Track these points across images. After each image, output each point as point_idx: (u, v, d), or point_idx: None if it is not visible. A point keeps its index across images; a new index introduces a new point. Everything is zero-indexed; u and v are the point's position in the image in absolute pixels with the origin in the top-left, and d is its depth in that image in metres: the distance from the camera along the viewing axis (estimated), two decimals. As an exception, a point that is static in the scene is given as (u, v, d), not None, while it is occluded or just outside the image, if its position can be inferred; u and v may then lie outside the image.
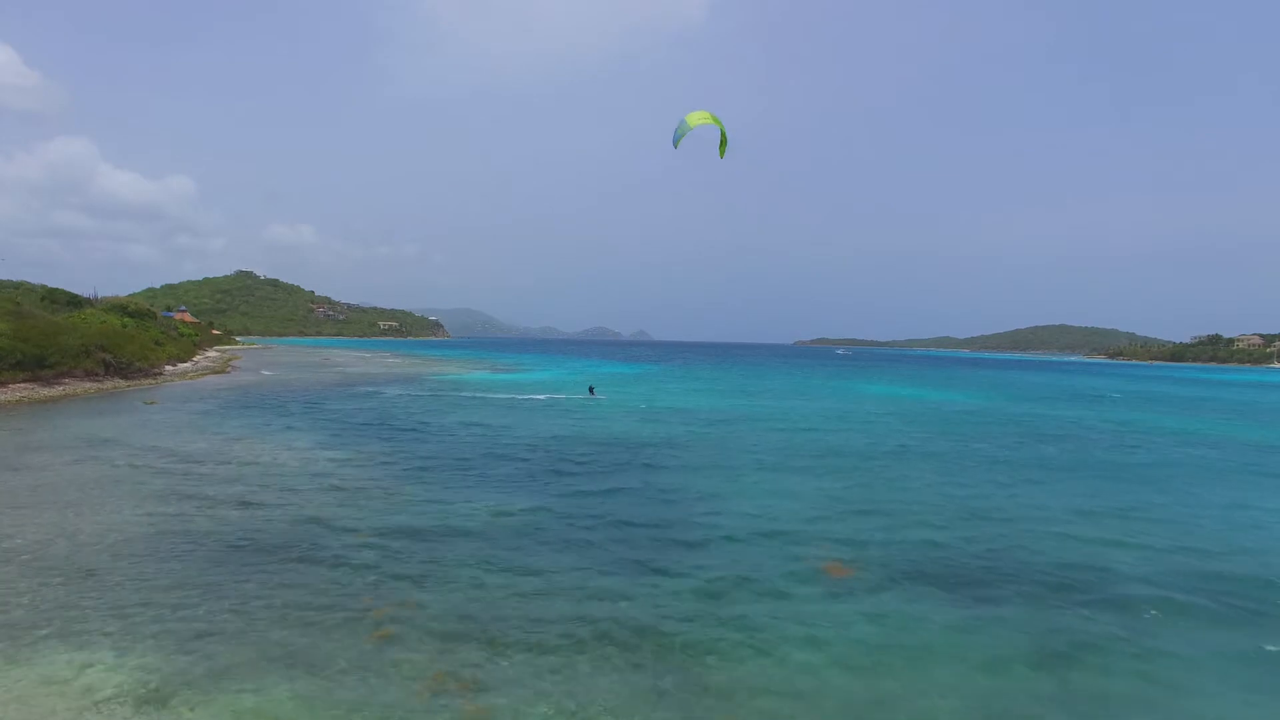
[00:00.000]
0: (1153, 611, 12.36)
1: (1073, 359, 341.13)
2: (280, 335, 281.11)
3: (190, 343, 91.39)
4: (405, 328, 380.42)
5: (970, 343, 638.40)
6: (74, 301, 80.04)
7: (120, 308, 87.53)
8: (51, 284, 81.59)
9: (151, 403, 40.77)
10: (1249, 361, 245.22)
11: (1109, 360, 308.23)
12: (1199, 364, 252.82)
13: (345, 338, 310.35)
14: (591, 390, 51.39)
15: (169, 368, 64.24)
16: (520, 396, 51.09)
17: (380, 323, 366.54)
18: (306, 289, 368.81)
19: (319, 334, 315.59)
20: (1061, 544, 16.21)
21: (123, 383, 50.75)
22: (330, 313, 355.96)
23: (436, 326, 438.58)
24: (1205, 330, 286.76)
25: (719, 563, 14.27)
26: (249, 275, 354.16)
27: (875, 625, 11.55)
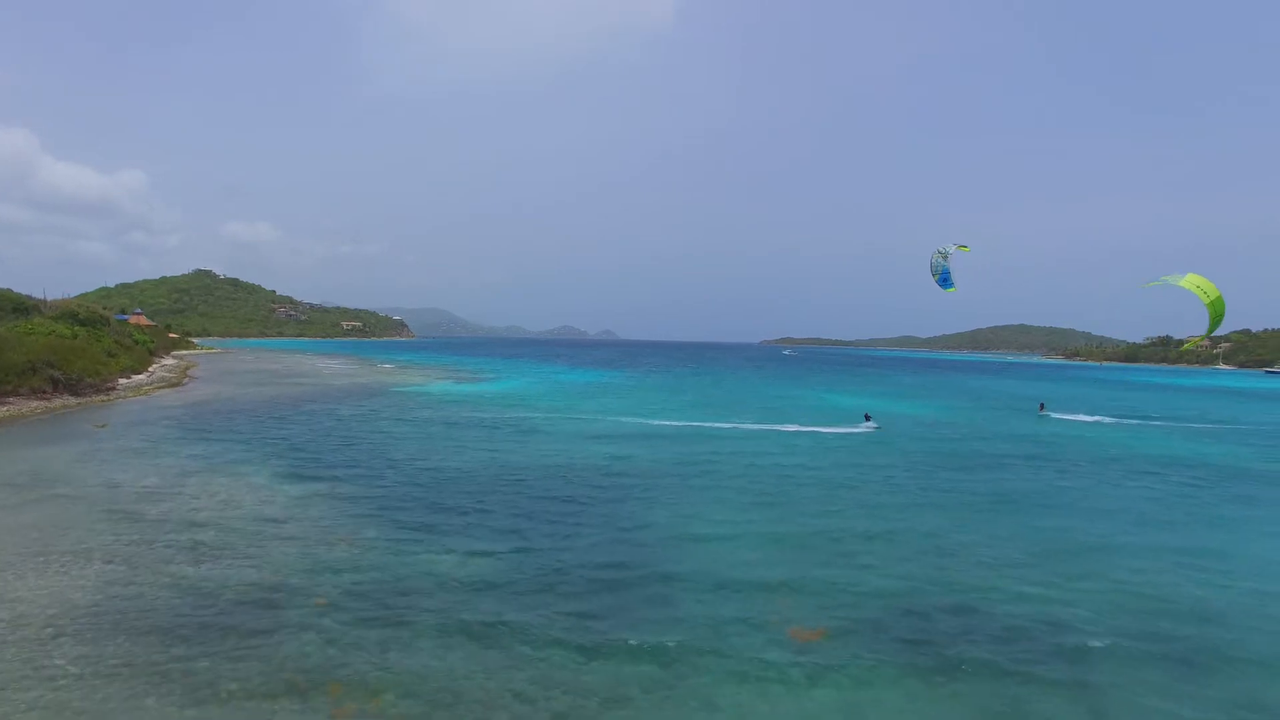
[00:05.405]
0: (1105, 667, 12.69)
1: (1032, 359, 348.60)
2: (240, 336, 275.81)
3: (145, 351, 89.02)
4: (369, 328, 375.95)
5: (932, 342, 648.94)
6: (20, 307, 77.14)
7: (70, 314, 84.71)
8: (-3, 281, 78.06)
9: (102, 426, 39.61)
10: (1197, 363, 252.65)
11: (1066, 361, 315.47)
12: (1150, 365, 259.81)
13: (307, 338, 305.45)
14: (867, 417, 48.17)
15: (122, 380, 62.41)
16: (483, 414, 50.62)
17: (343, 323, 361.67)
18: (268, 288, 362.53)
19: (280, 335, 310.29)
20: (1018, 591, 16.45)
21: (73, 400, 49.19)
22: (292, 313, 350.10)
23: (401, 326, 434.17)
24: (1158, 331, 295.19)
25: (682, 625, 14.22)
26: (208, 274, 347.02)
27: (837, 694, 11.70)
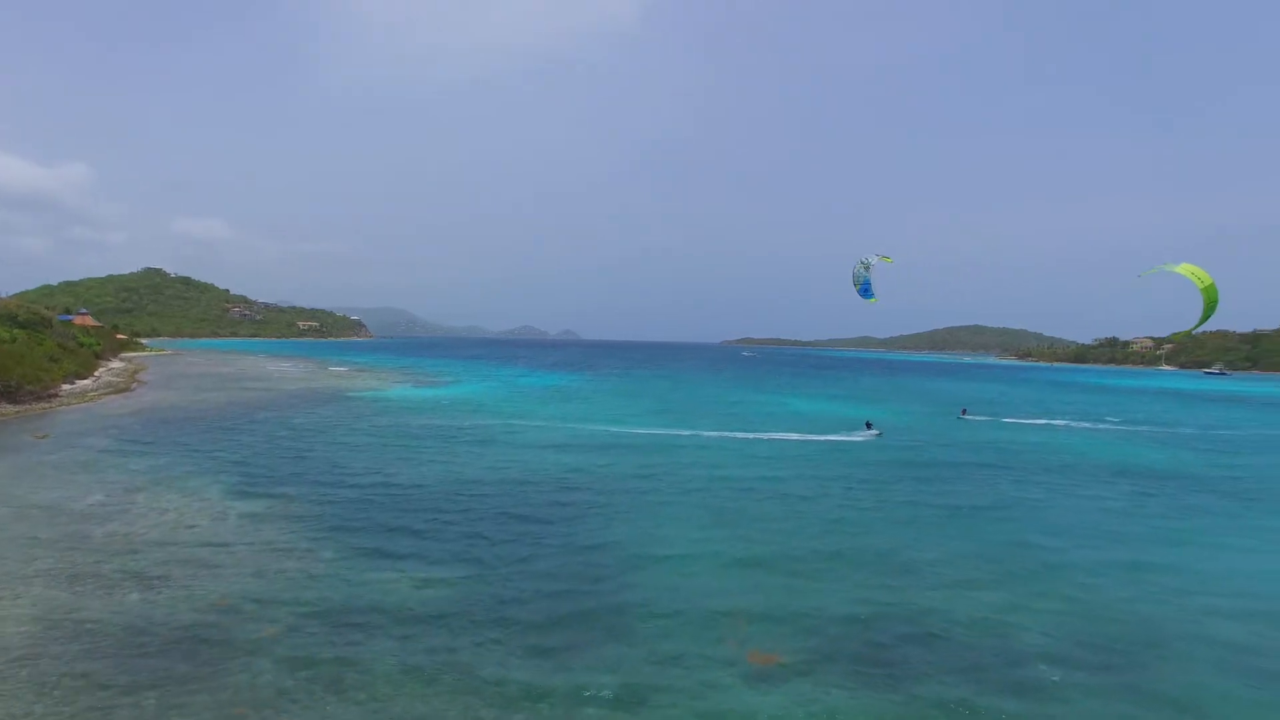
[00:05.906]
0: (1060, 699, 12.96)
1: (986, 360, 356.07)
2: (192, 337, 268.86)
3: (91, 354, 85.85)
4: (325, 328, 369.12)
5: (889, 343, 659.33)
6: (-45, 310, 73.99)
7: (9, 316, 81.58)
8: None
9: (43, 437, 38.17)
10: (1141, 363, 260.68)
11: (1019, 361, 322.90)
12: (1099, 365, 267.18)
13: (262, 339, 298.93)
14: (869, 425, 48.86)
15: (66, 386, 60.20)
16: (439, 422, 49.89)
17: (299, 323, 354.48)
18: (221, 287, 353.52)
19: (234, 335, 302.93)
20: (974, 615, 16.68)
21: (11, 409, 47.33)
22: (246, 313, 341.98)
23: (358, 326, 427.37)
24: (1106, 332, 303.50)
25: (640, 656, 14.16)
26: (158, 273, 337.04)
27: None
